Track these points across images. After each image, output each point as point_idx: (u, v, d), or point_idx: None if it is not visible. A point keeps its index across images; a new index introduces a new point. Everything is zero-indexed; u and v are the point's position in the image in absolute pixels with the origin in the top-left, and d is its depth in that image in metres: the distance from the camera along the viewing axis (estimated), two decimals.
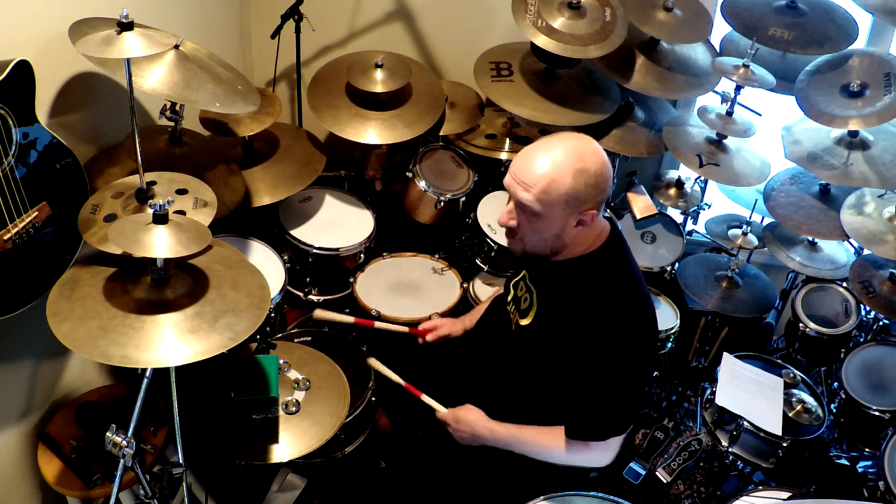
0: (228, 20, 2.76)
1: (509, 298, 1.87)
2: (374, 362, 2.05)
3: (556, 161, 1.54)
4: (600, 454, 1.72)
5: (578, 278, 1.66)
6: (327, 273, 2.49)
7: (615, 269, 1.68)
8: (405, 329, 2.07)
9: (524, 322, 1.77)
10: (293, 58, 2.69)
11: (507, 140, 2.66)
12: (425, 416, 1.91)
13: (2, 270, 1.57)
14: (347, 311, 2.27)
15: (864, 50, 2.42)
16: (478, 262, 2.56)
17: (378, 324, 1.99)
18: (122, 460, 1.42)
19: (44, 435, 1.91)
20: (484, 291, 2.48)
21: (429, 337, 2.11)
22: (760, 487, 2.00)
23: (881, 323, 2.47)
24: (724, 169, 2.40)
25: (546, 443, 1.72)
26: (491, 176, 2.66)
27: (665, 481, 2.10)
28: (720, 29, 2.58)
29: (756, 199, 2.53)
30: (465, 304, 2.44)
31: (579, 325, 1.62)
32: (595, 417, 1.67)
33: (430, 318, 2.29)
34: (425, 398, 1.94)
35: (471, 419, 1.80)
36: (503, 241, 2.15)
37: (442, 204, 2.51)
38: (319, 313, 2.08)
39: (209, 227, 1.59)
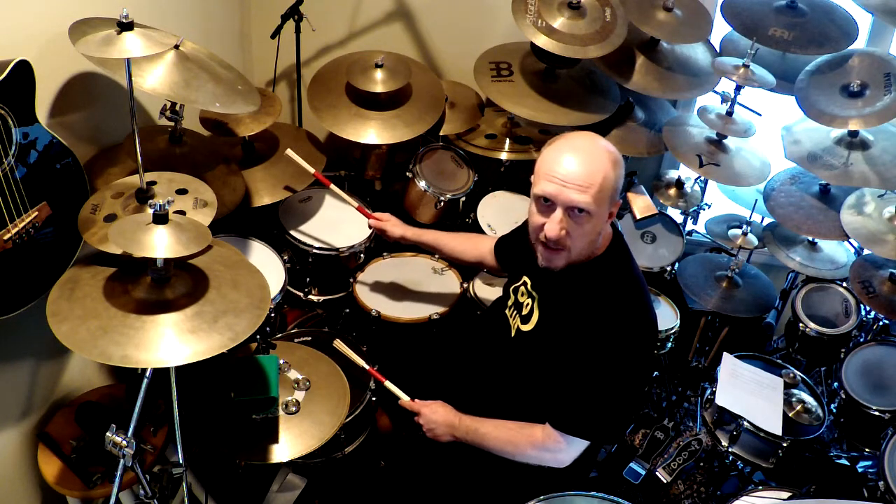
0: (228, 20, 2.76)
1: (509, 304, 1.87)
2: (339, 345, 2.05)
3: (598, 158, 1.56)
4: (563, 455, 1.70)
5: (583, 284, 1.66)
6: (327, 273, 2.49)
7: (620, 276, 1.67)
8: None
9: (525, 328, 1.76)
10: (293, 58, 2.69)
11: (507, 140, 2.66)
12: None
13: (2, 270, 1.57)
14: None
15: (864, 50, 2.42)
16: None
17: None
18: (122, 460, 1.42)
19: (44, 435, 1.91)
20: (484, 291, 2.48)
21: (371, 222, 2.23)
22: (760, 487, 2.00)
23: (881, 323, 2.47)
24: (724, 169, 2.40)
25: (512, 434, 1.73)
26: (491, 176, 2.66)
27: (665, 481, 2.10)
28: (720, 29, 2.58)
29: (756, 199, 2.53)
30: (465, 304, 2.44)
31: (581, 330, 1.62)
32: (585, 413, 1.66)
33: (429, 318, 2.29)
34: (389, 385, 1.95)
35: (440, 408, 1.83)
36: None
37: (442, 204, 2.51)
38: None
39: (209, 227, 1.59)
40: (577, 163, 1.55)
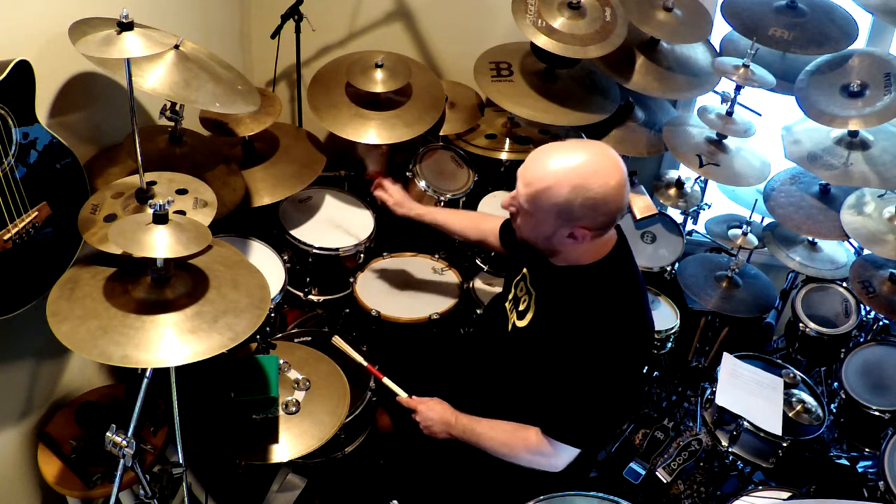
0: (228, 20, 2.76)
1: (509, 297, 1.87)
2: (338, 341, 2.06)
3: (562, 169, 1.49)
4: (557, 460, 1.70)
5: (579, 288, 1.65)
6: (327, 273, 2.49)
7: (618, 283, 1.65)
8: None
9: (521, 324, 1.76)
10: (293, 58, 2.69)
11: (507, 140, 2.66)
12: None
13: (2, 270, 1.57)
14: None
15: (864, 50, 2.42)
16: (478, 261, 2.56)
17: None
18: (122, 460, 1.42)
19: (44, 435, 1.91)
20: (484, 291, 2.48)
21: (377, 191, 2.26)
22: (760, 487, 2.01)
23: (881, 323, 2.47)
24: (724, 169, 2.40)
25: (507, 436, 1.73)
26: (491, 176, 2.66)
27: (665, 481, 2.10)
28: (720, 29, 2.58)
29: (756, 199, 2.53)
30: (465, 303, 2.44)
31: (573, 333, 1.61)
32: (573, 422, 1.66)
33: (429, 318, 2.29)
34: (387, 381, 1.95)
35: (437, 405, 1.84)
36: None
37: (442, 204, 2.51)
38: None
39: (209, 227, 1.59)
40: (541, 159, 1.54)
